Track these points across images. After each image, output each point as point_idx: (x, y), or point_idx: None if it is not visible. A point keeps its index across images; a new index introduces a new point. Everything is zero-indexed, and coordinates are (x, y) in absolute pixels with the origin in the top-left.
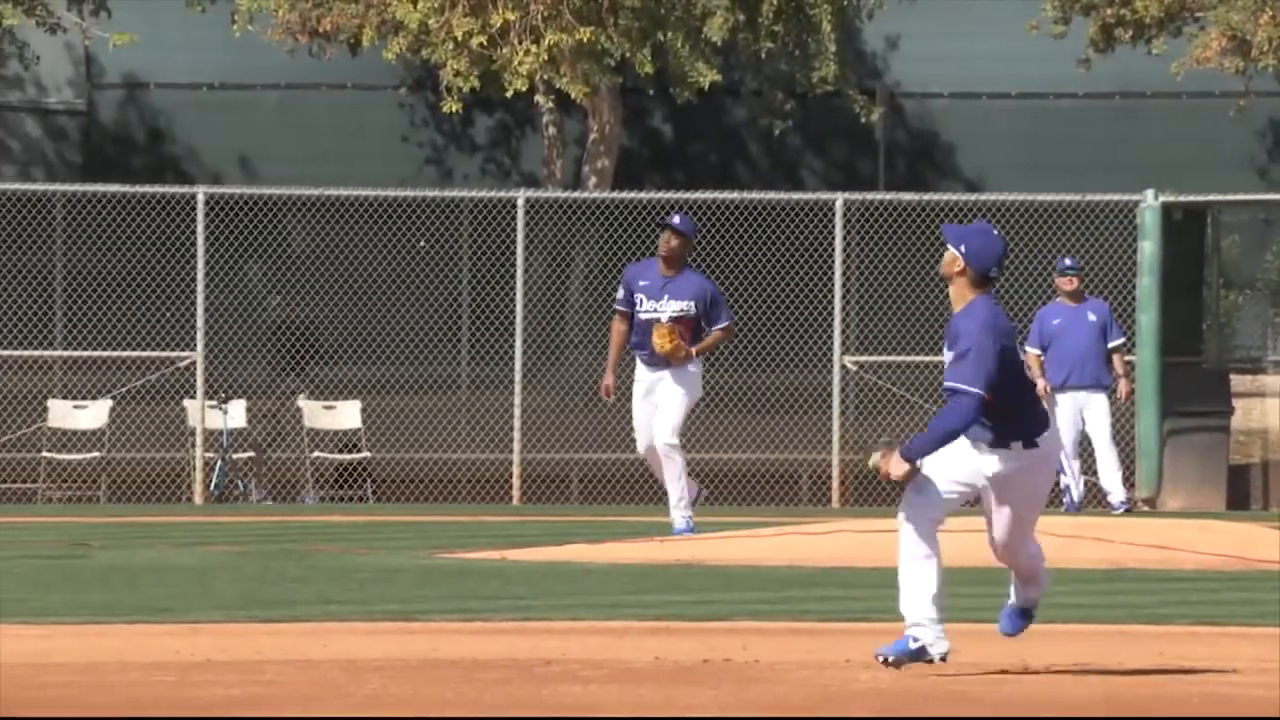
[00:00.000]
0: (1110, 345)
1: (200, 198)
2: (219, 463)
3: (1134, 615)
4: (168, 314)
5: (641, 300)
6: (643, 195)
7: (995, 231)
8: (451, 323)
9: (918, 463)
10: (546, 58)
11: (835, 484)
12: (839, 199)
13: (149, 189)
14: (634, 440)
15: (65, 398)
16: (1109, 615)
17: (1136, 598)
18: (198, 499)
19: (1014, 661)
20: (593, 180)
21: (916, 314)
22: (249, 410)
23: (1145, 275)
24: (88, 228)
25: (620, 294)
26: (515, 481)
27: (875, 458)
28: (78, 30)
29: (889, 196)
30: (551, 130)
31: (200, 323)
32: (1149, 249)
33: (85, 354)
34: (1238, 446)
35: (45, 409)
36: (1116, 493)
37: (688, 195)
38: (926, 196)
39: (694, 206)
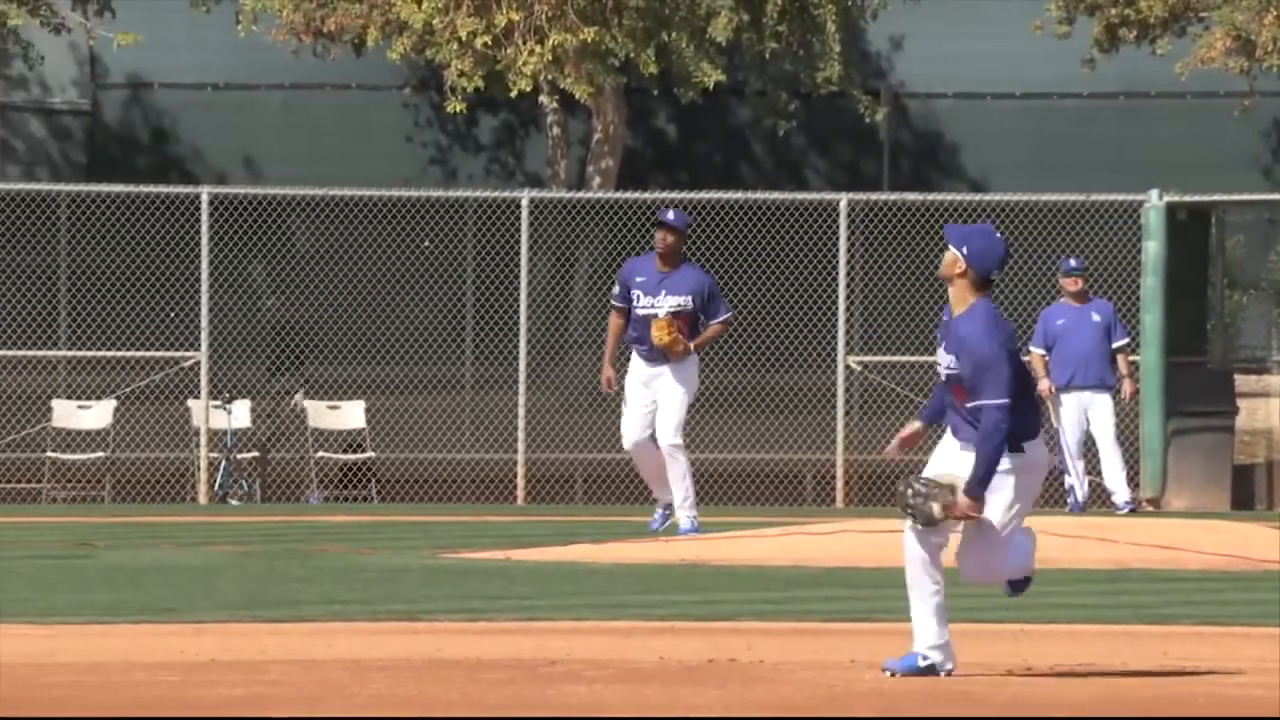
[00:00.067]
0: (1114, 345)
1: (204, 198)
2: (223, 463)
3: (1138, 615)
4: (172, 314)
5: (639, 296)
6: (647, 195)
7: (997, 234)
8: (456, 323)
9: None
10: (551, 58)
11: (839, 484)
12: (843, 199)
13: (153, 189)
14: None
15: (70, 398)
16: (1113, 615)
17: (1141, 598)
18: (202, 499)
19: (1018, 662)
20: (597, 180)
21: (920, 314)
22: (253, 410)
23: (1150, 275)
24: (92, 228)
25: (616, 290)
26: (520, 481)
27: (937, 509)
28: (82, 30)
29: (893, 197)
30: (556, 130)
31: (204, 323)
32: (1153, 249)
33: (90, 354)
34: (1242, 447)
35: (50, 409)
36: (1121, 493)
37: (692, 195)
38: (931, 197)
39: (698, 206)
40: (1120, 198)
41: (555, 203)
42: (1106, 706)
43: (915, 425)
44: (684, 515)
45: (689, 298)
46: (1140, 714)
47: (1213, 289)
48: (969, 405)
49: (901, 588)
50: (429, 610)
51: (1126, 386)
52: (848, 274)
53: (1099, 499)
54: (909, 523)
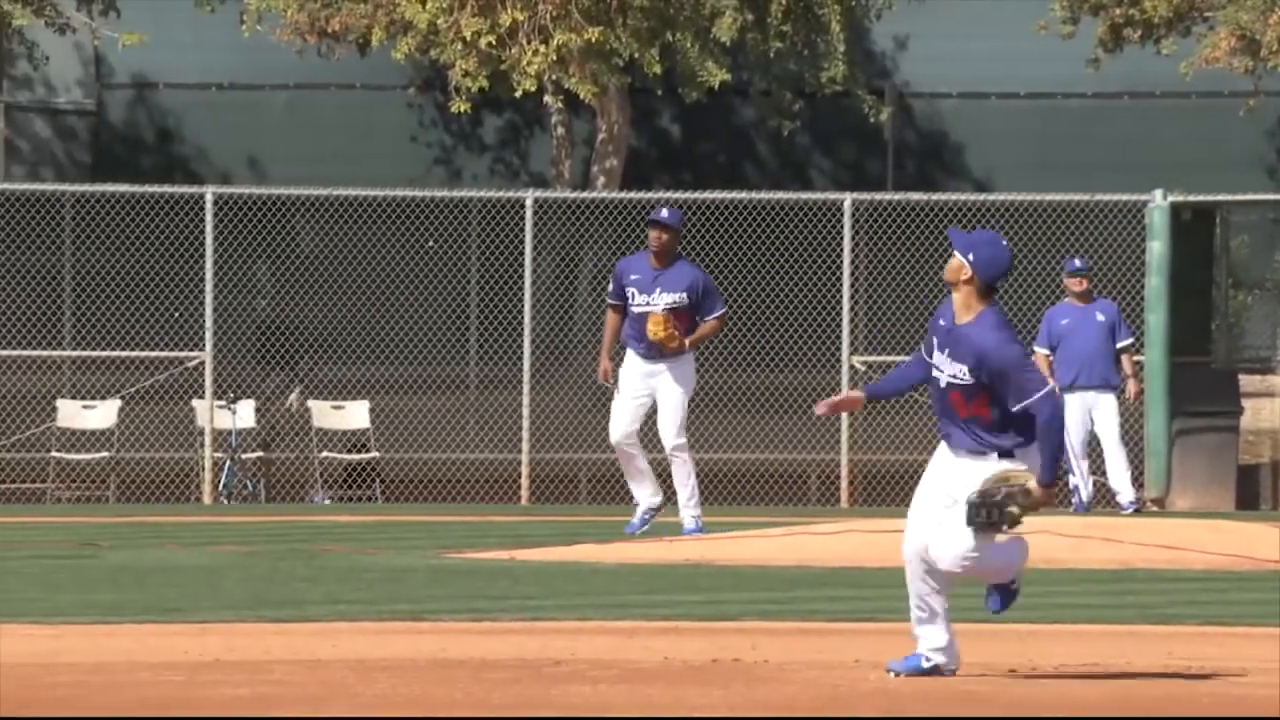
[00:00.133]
0: (1119, 345)
1: (209, 198)
2: (228, 463)
3: (1143, 615)
4: (177, 314)
5: (634, 294)
6: (651, 195)
7: (1003, 241)
8: (460, 323)
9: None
10: (555, 58)
11: (844, 484)
12: (847, 199)
13: (158, 189)
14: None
15: (74, 398)
16: (1118, 615)
17: (1145, 598)
18: (206, 499)
19: (1023, 662)
20: (601, 180)
21: (925, 314)
22: (258, 410)
23: (1154, 275)
24: (97, 228)
25: (611, 288)
26: (524, 481)
27: (1017, 510)
28: (87, 30)
29: (897, 196)
30: (560, 130)
31: (209, 323)
32: (1158, 249)
33: (94, 354)
34: (1247, 446)
35: (54, 409)
36: (1125, 493)
37: (696, 195)
38: (935, 196)
39: (702, 206)
40: (1125, 198)
41: (560, 203)
42: (1111, 706)
43: (856, 394)
44: (688, 515)
45: (684, 294)
46: (1145, 714)
47: (1217, 289)
48: (1015, 409)
49: (904, 589)
50: (433, 610)
51: (1131, 386)
52: (852, 274)
53: (1103, 499)
54: (978, 532)
